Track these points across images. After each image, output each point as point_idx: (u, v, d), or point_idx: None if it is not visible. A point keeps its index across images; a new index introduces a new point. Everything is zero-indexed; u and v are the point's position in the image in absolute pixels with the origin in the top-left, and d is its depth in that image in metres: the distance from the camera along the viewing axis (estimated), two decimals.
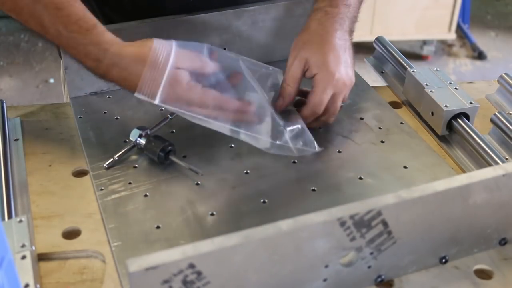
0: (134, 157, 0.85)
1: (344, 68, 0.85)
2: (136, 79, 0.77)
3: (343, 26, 0.87)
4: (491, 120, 0.89)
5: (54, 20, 0.77)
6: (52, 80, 2.86)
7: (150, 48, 0.78)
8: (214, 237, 0.57)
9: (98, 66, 0.78)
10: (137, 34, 0.95)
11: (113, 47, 0.77)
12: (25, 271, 0.64)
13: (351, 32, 0.89)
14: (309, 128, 0.85)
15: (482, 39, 3.21)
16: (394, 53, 1.04)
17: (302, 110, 0.86)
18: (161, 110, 0.94)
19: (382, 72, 1.06)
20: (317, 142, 0.88)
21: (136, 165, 0.84)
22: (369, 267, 0.66)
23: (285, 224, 0.58)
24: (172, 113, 0.92)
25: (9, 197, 0.76)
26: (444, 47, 3.18)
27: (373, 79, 1.13)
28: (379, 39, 1.08)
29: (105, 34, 0.78)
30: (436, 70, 0.95)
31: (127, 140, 0.86)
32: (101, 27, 0.78)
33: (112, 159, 0.83)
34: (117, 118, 0.93)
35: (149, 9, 0.99)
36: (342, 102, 0.88)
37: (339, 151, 0.87)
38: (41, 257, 0.71)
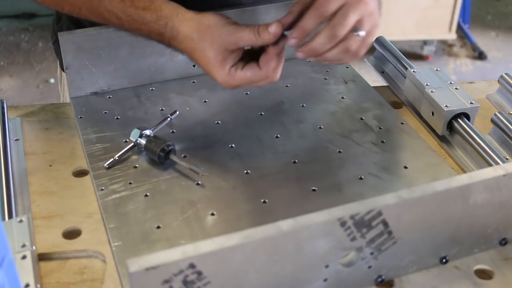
0: (134, 157, 0.85)
1: None
2: (191, 55, 0.79)
3: None
4: (492, 120, 0.89)
5: (112, 9, 0.81)
6: (52, 80, 2.86)
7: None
8: (215, 237, 0.57)
9: (162, 40, 0.81)
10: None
11: (171, 21, 0.79)
12: (26, 271, 0.64)
13: None
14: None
15: (482, 39, 3.21)
16: (394, 53, 1.04)
17: (304, 16, 0.76)
18: (162, 110, 0.94)
19: (382, 72, 1.06)
20: (317, 142, 0.88)
21: (137, 165, 0.84)
22: (370, 267, 0.66)
23: (285, 224, 0.58)
24: (172, 113, 0.92)
25: (10, 197, 0.76)
26: (445, 47, 3.18)
27: (374, 79, 1.13)
28: (379, 39, 1.08)
29: (163, 8, 0.79)
30: (437, 70, 0.95)
31: (127, 140, 0.87)
32: (157, 2, 0.80)
33: (112, 159, 0.83)
34: (117, 118, 0.93)
35: None
36: (359, 30, 0.75)
37: (339, 151, 0.87)
38: (42, 257, 0.71)
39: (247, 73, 0.78)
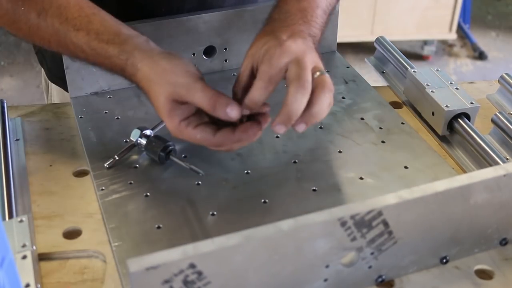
0: (134, 157, 0.85)
1: (299, 37, 0.73)
2: (147, 95, 0.75)
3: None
4: (492, 120, 0.89)
5: (77, 42, 0.77)
6: None
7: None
8: (215, 237, 0.57)
9: (124, 75, 0.77)
10: None
11: (132, 57, 0.75)
12: (26, 271, 0.64)
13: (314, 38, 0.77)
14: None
15: (482, 39, 3.21)
16: (395, 53, 1.05)
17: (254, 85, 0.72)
18: None
19: (383, 72, 1.06)
20: (318, 143, 0.88)
21: (137, 165, 0.84)
22: (370, 267, 0.66)
23: (285, 224, 0.58)
24: None
25: (10, 197, 0.76)
26: (445, 47, 3.19)
27: (374, 79, 1.13)
28: (379, 39, 1.08)
29: (127, 42, 0.76)
30: (437, 70, 0.95)
31: (128, 140, 0.87)
32: (123, 35, 0.76)
33: (113, 159, 0.83)
34: (118, 118, 0.93)
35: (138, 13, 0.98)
36: (318, 72, 0.71)
37: (339, 151, 0.87)
38: (42, 257, 0.71)
39: (198, 135, 0.73)
